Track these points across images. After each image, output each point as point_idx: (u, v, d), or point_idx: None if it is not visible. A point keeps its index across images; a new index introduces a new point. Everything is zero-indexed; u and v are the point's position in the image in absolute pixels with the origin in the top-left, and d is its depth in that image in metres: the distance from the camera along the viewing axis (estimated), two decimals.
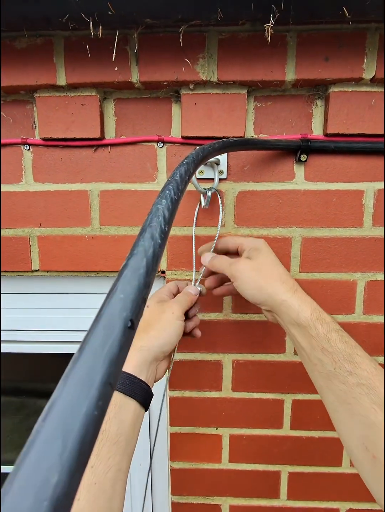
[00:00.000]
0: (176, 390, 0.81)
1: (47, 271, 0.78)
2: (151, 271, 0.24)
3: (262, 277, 0.57)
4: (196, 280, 0.67)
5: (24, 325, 0.83)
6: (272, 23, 0.55)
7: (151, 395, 0.53)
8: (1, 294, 0.82)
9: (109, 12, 0.55)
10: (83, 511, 0.39)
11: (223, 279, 0.68)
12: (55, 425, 0.13)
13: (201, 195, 0.67)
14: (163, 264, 0.76)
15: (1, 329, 0.83)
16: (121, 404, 0.48)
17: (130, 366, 0.51)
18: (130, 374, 0.50)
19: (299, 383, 0.79)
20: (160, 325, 0.55)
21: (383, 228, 0.73)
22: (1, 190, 0.75)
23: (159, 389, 0.83)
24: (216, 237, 0.66)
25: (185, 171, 0.41)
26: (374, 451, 0.43)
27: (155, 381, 0.56)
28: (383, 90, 0.67)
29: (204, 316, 0.78)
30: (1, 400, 1.23)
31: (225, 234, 0.74)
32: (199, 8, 0.55)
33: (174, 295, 0.64)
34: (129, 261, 0.24)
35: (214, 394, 0.81)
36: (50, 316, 0.84)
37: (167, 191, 0.34)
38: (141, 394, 0.50)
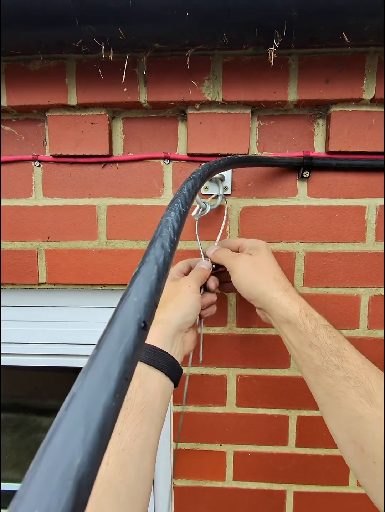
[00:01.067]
0: (179, 405, 0.81)
1: (54, 284, 0.79)
2: (162, 278, 0.25)
3: (257, 273, 0.58)
4: (205, 257, 0.68)
5: (30, 338, 0.84)
6: (275, 48, 0.58)
7: (180, 369, 0.53)
8: (4, 307, 0.83)
9: (120, 37, 0.58)
10: (112, 476, 0.39)
11: (222, 279, 0.69)
12: (77, 414, 0.14)
13: (198, 207, 0.68)
14: None
15: (3, 342, 0.83)
16: (145, 374, 0.48)
17: (153, 338, 0.52)
18: (153, 345, 0.51)
19: (304, 399, 0.79)
20: (178, 298, 0.56)
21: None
22: (12, 204, 0.77)
23: None
24: (218, 237, 0.70)
25: (192, 185, 0.42)
26: (361, 444, 0.43)
27: (185, 354, 0.57)
28: (382, 110, 0.69)
29: (208, 330, 0.79)
30: (0, 416, 1.22)
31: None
32: (204, 34, 0.58)
33: (185, 274, 0.65)
34: (141, 268, 0.25)
35: (218, 409, 0.81)
36: (55, 329, 0.84)
37: (176, 204, 0.36)
38: (166, 365, 0.50)
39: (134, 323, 0.19)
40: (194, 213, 0.67)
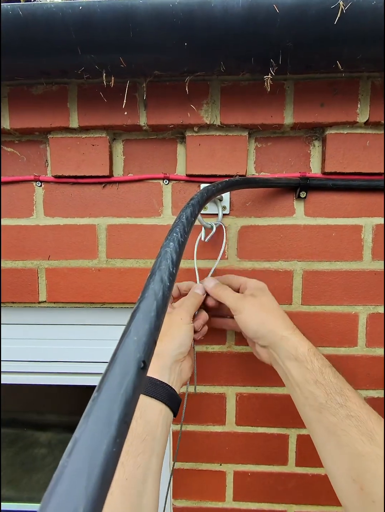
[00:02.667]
0: (178, 424, 0.81)
1: (54, 303, 0.80)
2: (161, 314, 0.26)
3: (265, 313, 0.61)
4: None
5: (29, 356, 0.84)
6: (271, 75, 0.60)
7: (179, 399, 0.55)
8: (4, 325, 0.83)
9: (121, 65, 0.60)
10: (117, 505, 0.41)
11: (221, 314, 0.71)
12: (80, 461, 0.15)
13: (203, 228, 0.70)
14: None
15: (3, 360, 0.83)
16: (146, 405, 0.50)
17: (151, 370, 0.52)
18: (151, 377, 0.52)
19: None
20: (171, 332, 0.58)
21: (382, 261, 0.75)
22: (14, 224, 0.78)
23: None
24: (216, 263, 0.70)
25: (191, 213, 0.43)
26: (361, 483, 0.43)
27: (184, 383, 0.59)
28: (376, 132, 0.71)
29: (208, 348, 0.79)
30: (0, 433, 1.20)
31: (227, 269, 0.76)
32: (202, 62, 0.61)
33: (175, 299, 0.67)
34: (141, 304, 0.26)
35: (217, 428, 0.80)
36: (54, 347, 0.84)
37: (174, 234, 0.37)
38: (165, 395, 0.52)
39: (134, 364, 0.20)
40: (206, 239, 0.69)
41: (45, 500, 0.13)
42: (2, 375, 0.85)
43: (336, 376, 0.53)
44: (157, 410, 0.50)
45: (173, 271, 0.31)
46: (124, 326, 0.23)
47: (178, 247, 0.35)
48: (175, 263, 0.32)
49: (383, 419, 0.48)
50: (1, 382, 0.85)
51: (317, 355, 0.55)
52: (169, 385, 0.53)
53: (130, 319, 0.24)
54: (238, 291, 0.69)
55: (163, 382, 0.53)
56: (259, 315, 0.61)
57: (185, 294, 0.69)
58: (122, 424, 0.17)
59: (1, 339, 0.83)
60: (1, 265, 0.78)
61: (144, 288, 0.28)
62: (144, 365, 0.21)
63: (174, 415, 0.54)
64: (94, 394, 0.18)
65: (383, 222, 0.74)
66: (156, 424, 0.49)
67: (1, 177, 0.77)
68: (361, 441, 0.45)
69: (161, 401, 0.51)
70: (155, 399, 0.51)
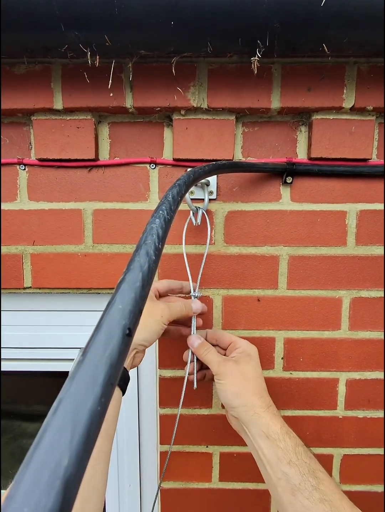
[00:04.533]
0: (166, 408, 0.81)
1: (39, 288, 0.79)
2: (146, 285, 0.26)
3: (243, 385, 0.59)
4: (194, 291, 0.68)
5: (15, 342, 0.83)
6: (258, 57, 0.60)
7: (128, 377, 0.56)
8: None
9: (106, 44, 0.59)
10: None
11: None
12: (64, 418, 0.15)
13: (192, 213, 0.70)
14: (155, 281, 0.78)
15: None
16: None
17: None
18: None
19: (289, 401, 0.80)
20: (145, 322, 0.57)
21: (366, 247, 0.76)
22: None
23: (151, 409, 0.83)
24: (204, 256, 0.70)
25: (177, 192, 0.43)
26: None
27: (132, 368, 0.59)
28: (362, 118, 0.72)
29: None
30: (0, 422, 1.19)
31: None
32: (189, 42, 0.60)
33: (160, 295, 0.67)
34: (126, 276, 0.26)
35: (204, 411, 0.81)
36: (40, 333, 0.84)
37: (160, 211, 0.37)
38: (121, 379, 0.52)
39: (119, 330, 0.20)
40: (195, 222, 0.69)
41: (29, 454, 0.14)
42: None
43: (308, 456, 0.52)
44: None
45: (159, 246, 0.31)
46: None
47: (164, 224, 0.35)
48: (161, 239, 0.32)
49: (354, 506, 0.48)
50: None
51: (289, 434, 0.54)
52: (125, 367, 0.54)
53: (116, 290, 0.24)
54: (226, 348, 0.67)
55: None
56: (237, 386, 0.59)
57: (171, 294, 0.70)
58: (107, 384, 0.17)
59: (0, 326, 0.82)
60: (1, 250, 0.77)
61: (130, 261, 0.28)
62: (129, 331, 0.21)
63: (123, 394, 0.54)
64: (79, 358, 0.18)
65: (368, 208, 0.75)
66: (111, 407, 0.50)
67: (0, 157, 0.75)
68: None
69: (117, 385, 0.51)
70: None
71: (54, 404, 0.16)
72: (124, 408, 0.85)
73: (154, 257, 0.29)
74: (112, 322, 0.21)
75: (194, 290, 0.67)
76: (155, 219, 0.35)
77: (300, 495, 0.48)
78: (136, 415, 0.85)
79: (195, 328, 0.67)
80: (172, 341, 0.79)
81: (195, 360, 0.67)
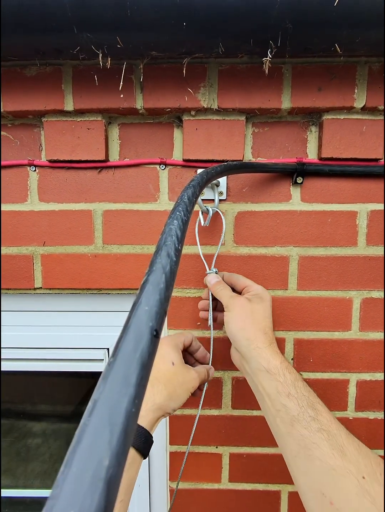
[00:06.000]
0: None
1: (50, 289, 0.79)
2: (170, 286, 0.26)
3: (250, 321, 0.61)
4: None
5: (26, 342, 0.84)
6: (269, 58, 0.60)
7: (151, 442, 0.55)
8: (2, 312, 0.83)
9: (118, 45, 0.59)
10: None
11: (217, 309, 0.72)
12: (102, 419, 0.15)
13: (201, 213, 0.70)
14: None
15: (1, 347, 0.83)
16: (132, 461, 0.50)
17: (145, 422, 0.53)
18: (146, 430, 0.53)
19: None
20: (180, 390, 0.58)
21: (376, 247, 0.76)
22: (8, 209, 0.77)
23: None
24: (215, 256, 0.71)
25: (192, 193, 0.43)
26: (331, 497, 0.43)
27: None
28: (373, 118, 0.71)
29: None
30: (0, 422, 1.20)
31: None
32: (201, 43, 0.60)
33: (185, 348, 0.67)
34: (150, 277, 0.26)
35: (214, 412, 0.81)
36: (51, 333, 0.84)
37: (178, 212, 0.37)
38: (140, 442, 0.52)
39: (148, 331, 0.20)
40: (204, 223, 0.70)
41: (69, 455, 0.14)
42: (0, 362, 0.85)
43: (307, 390, 0.53)
44: (138, 464, 0.52)
45: (179, 247, 0.31)
46: (133, 301, 0.23)
47: (182, 224, 0.35)
48: (180, 240, 0.32)
49: (352, 436, 0.48)
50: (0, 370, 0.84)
51: (289, 369, 0.55)
52: (146, 429, 0.53)
53: (140, 291, 0.24)
54: (240, 292, 0.69)
55: (141, 426, 0.53)
56: (243, 320, 0.61)
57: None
58: (139, 386, 0.17)
59: (0, 326, 0.83)
60: (1, 251, 0.77)
61: (151, 263, 0.28)
62: (156, 333, 0.21)
63: (144, 458, 0.53)
64: (110, 359, 0.18)
65: (379, 208, 0.75)
66: (135, 477, 0.51)
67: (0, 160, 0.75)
68: (332, 455, 0.45)
69: (135, 448, 0.51)
70: (141, 454, 0.52)
71: (89, 405, 0.16)
72: None
73: (175, 258, 0.29)
74: (141, 323, 0.21)
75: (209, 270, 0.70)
76: (173, 221, 0.35)
77: (298, 425, 0.49)
78: None
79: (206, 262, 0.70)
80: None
81: (211, 298, 0.69)
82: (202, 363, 0.70)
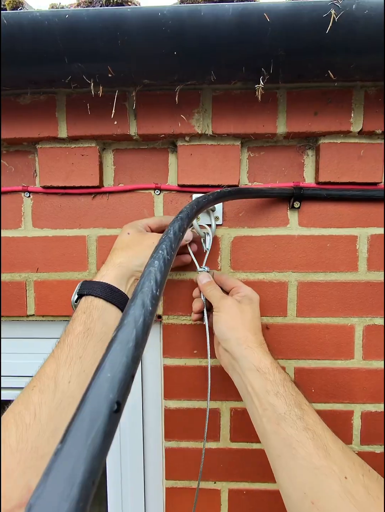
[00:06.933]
0: (172, 441, 0.78)
1: (42, 316, 0.77)
2: (141, 343, 0.24)
3: (240, 320, 0.61)
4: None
5: (18, 371, 0.81)
6: (262, 85, 0.59)
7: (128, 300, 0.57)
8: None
9: (110, 74, 0.59)
10: (74, 391, 0.47)
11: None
12: None
13: (201, 239, 0.69)
14: (159, 309, 0.76)
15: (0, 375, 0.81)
16: (103, 308, 0.54)
17: (110, 278, 0.57)
18: (110, 284, 0.56)
19: None
20: (139, 249, 0.61)
21: (378, 272, 0.73)
22: (1, 236, 0.76)
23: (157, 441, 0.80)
24: (206, 256, 0.71)
25: (179, 227, 0.42)
26: (312, 497, 0.43)
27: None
28: (371, 142, 0.70)
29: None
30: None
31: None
32: (193, 71, 0.59)
33: (152, 230, 0.69)
34: (118, 333, 0.24)
35: (212, 445, 0.78)
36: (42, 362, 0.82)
37: (160, 251, 0.35)
38: (122, 302, 0.56)
39: (106, 407, 0.18)
40: (206, 247, 0.70)
41: None
42: None
43: (295, 391, 0.53)
44: (114, 314, 0.55)
45: (157, 293, 0.29)
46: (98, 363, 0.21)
47: (164, 265, 0.33)
48: (160, 284, 0.30)
49: (338, 438, 0.48)
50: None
51: (279, 369, 0.55)
52: (125, 294, 0.57)
53: (106, 351, 0.22)
54: (229, 291, 0.68)
55: (121, 290, 0.57)
56: (233, 319, 0.61)
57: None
58: (87, 483, 0.15)
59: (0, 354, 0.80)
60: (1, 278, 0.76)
61: (124, 314, 0.26)
62: (118, 407, 0.19)
63: (119, 308, 0.56)
64: (58, 445, 0.16)
65: (379, 233, 0.73)
66: (112, 326, 0.51)
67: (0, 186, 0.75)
68: (317, 455, 0.45)
69: (118, 307, 0.55)
70: (113, 304, 0.55)
71: (26, 509, 0.14)
72: (128, 441, 0.82)
73: (151, 308, 0.27)
74: (100, 396, 0.19)
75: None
76: (154, 261, 0.33)
77: (284, 424, 0.48)
78: (141, 448, 0.82)
79: (196, 261, 0.70)
80: (176, 376, 0.77)
81: (204, 299, 0.68)
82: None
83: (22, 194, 0.75)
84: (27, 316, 0.77)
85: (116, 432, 0.60)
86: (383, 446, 0.76)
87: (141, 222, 0.67)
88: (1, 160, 0.75)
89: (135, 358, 0.22)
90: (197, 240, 0.72)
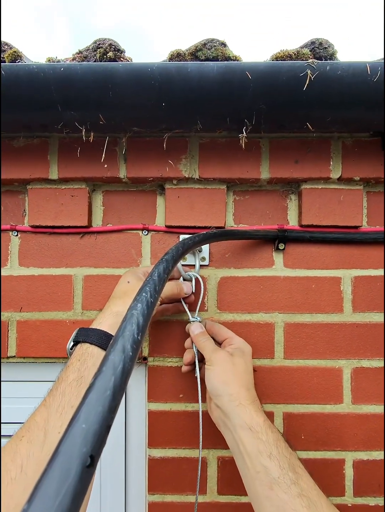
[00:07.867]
0: (156, 494, 0.73)
1: (23, 357, 0.75)
2: (119, 391, 0.24)
3: (232, 375, 0.59)
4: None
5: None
6: (245, 134, 0.62)
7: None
8: None
9: (100, 122, 0.62)
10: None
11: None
12: None
13: (181, 279, 0.69)
14: (145, 350, 0.74)
15: None
16: (98, 356, 0.52)
17: (106, 325, 0.56)
18: (106, 331, 0.55)
19: None
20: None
21: (363, 313, 0.74)
22: None
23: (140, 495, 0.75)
24: (198, 307, 0.70)
25: (164, 269, 0.42)
26: None
27: None
28: (350, 188, 0.73)
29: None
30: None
31: (213, 319, 0.73)
32: (180, 121, 0.63)
33: None
34: (96, 381, 0.23)
35: (199, 498, 0.73)
36: (23, 406, 0.78)
37: (144, 294, 0.35)
38: (107, 343, 0.53)
39: (79, 462, 0.17)
40: (191, 291, 0.69)
41: None
42: None
43: (288, 452, 0.51)
44: (93, 356, 0.53)
45: (139, 337, 0.29)
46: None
47: (147, 308, 0.33)
48: (142, 328, 0.30)
49: (332, 505, 0.47)
50: None
51: (272, 428, 0.53)
52: (105, 331, 0.55)
53: (82, 400, 0.21)
54: (221, 343, 0.67)
55: (99, 329, 0.55)
56: (225, 373, 0.59)
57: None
58: None
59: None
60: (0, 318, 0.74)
61: (103, 359, 0.25)
62: (91, 461, 0.18)
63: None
64: (24, 506, 0.15)
65: (363, 274, 0.74)
66: None
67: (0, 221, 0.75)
68: None
69: (97, 345, 0.53)
70: None
71: None
72: (110, 493, 0.76)
73: (131, 353, 0.27)
74: (72, 449, 0.18)
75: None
76: (137, 304, 0.33)
77: (278, 489, 0.46)
78: (123, 503, 0.77)
79: (188, 310, 0.68)
80: (162, 422, 0.74)
81: (196, 350, 0.66)
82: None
83: (10, 232, 0.76)
84: (8, 357, 0.74)
85: (95, 484, 0.57)
86: (377, 498, 0.72)
87: (141, 269, 0.67)
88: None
89: (113, 407, 0.22)
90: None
